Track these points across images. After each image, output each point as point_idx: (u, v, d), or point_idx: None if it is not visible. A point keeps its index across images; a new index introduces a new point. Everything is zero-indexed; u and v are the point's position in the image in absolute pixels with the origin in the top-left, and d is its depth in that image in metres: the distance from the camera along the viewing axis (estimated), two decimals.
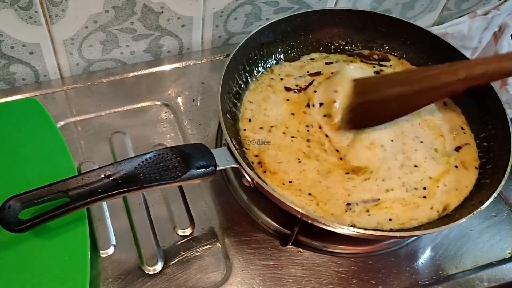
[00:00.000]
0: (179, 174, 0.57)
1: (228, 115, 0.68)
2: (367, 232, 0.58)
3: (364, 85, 0.70)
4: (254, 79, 0.75)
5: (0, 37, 0.71)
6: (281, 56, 0.78)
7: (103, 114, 0.76)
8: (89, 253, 0.58)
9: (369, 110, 0.69)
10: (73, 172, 0.64)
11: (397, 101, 0.68)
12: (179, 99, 0.79)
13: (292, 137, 0.69)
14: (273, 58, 0.77)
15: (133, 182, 0.55)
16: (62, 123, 0.74)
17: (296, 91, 0.74)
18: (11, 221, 0.52)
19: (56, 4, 0.70)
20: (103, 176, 0.55)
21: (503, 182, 0.61)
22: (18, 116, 0.69)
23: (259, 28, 0.73)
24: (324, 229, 0.59)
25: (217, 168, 0.59)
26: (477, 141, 0.70)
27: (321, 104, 0.72)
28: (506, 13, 1.00)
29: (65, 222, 0.58)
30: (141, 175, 0.56)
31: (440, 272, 0.65)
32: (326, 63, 0.78)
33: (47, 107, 0.71)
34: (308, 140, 0.69)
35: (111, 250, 0.63)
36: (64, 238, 0.58)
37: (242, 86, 0.73)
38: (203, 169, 0.58)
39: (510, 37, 1.01)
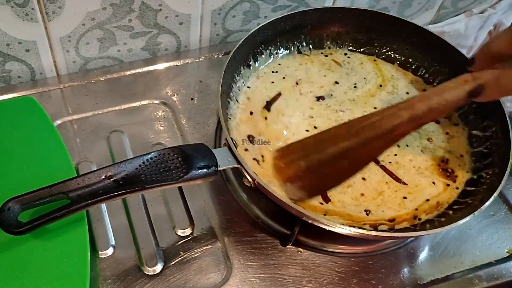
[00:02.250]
0: (181, 174, 0.56)
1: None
2: (368, 232, 0.58)
3: (302, 148, 0.65)
4: (253, 78, 0.74)
5: None
6: (280, 54, 0.78)
7: (100, 112, 0.75)
8: (89, 254, 0.57)
9: (319, 173, 0.64)
10: (72, 172, 0.63)
11: (345, 157, 0.61)
12: (177, 98, 0.78)
13: None
14: (272, 56, 0.77)
15: (135, 183, 0.55)
16: (58, 121, 0.73)
17: None
18: (11, 224, 0.51)
19: (53, 1, 0.69)
20: (104, 177, 0.54)
21: (503, 182, 0.61)
22: (15, 115, 0.68)
23: (259, 26, 0.73)
24: (324, 229, 0.59)
25: (219, 169, 0.59)
26: (477, 140, 0.71)
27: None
28: (502, 11, 1.00)
29: (64, 223, 0.57)
30: (142, 176, 0.55)
31: (440, 272, 0.65)
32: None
33: (43, 106, 0.70)
34: None
35: (110, 251, 0.62)
36: (64, 239, 0.57)
37: (242, 84, 0.73)
38: (205, 170, 0.58)
39: None
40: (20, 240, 0.56)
